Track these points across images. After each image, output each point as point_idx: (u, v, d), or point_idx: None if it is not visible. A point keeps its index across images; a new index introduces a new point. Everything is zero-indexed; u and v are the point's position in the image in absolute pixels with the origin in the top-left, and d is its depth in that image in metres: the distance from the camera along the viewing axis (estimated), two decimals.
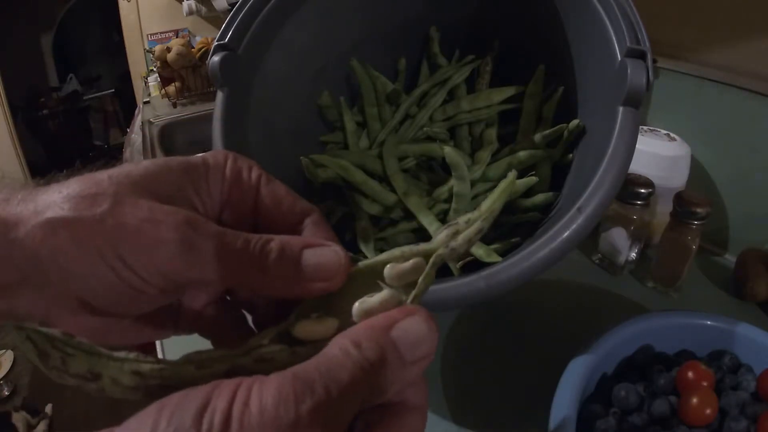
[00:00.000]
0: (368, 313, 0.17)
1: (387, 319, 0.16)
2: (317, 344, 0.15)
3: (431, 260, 0.18)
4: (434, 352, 0.16)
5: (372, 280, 0.18)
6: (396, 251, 0.18)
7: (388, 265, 0.18)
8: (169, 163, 0.19)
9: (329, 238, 0.21)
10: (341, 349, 0.15)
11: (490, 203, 0.18)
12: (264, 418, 0.13)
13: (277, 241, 0.18)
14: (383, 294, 0.17)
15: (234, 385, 0.13)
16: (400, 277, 0.18)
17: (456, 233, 0.18)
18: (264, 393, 0.13)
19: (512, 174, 0.20)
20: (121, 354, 0.15)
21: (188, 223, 0.17)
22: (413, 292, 0.17)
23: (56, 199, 0.17)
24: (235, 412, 0.13)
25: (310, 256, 0.18)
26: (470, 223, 0.18)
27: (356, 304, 0.17)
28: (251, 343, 0.17)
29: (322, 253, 0.19)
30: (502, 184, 0.19)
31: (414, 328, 0.16)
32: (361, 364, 0.14)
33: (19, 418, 1.45)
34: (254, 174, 0.21)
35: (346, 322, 0.17)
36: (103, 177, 0.18)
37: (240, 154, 0.21)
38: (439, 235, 0.18)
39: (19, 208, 0.17)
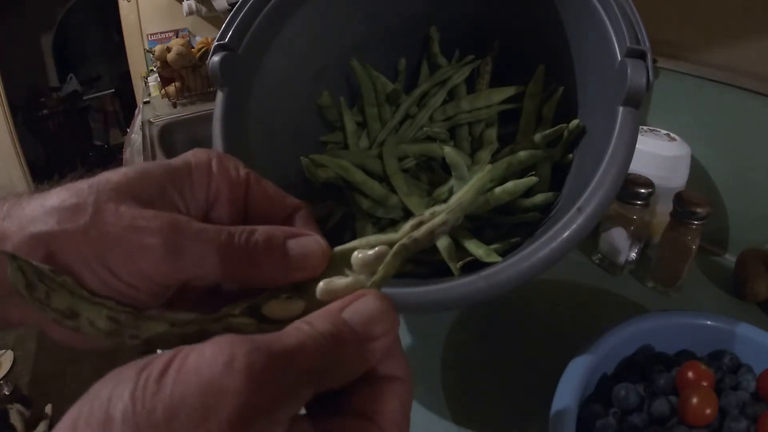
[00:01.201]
0: (330, 294, 0.17)
1: (340, 302, 0.17)
2: (283, 324, 0.16)
3: (393, 249, 0.18)
4: (394, 329, 0.17)
5: (343, 266, 0.19)
6: (364, 240, 0.19)
7: (354, 252, 0.18)
8: (148, 168, 0.19)
9: (314, 231, 0.21)
10: (293, 327, 0.15)
11: (459, 196, 0.18)
12: (201, 367, 0.13)
13: (261, 232, 0.19)
14: (348, 279, 0.18)
15: (177, 349, 0.14)
16: (365, 264, 0.18)
17: (420, 224, 0.18)
18: (205, 349, 0.13)
19: (488, 168, 0.20)
20: (101, 299, 0.16)
21: (171, 226, 0.17)
22: (372, 278, 0.18)
23: (39, 213, 0.17)
24: (174, 363, 0.13)
25: (295, 246, 0.19)
26: (435, 215, 0.18)
27: (321, 284, 0.18)
28: (223, 311, 0.17)
29: (306, 243, 0.19)
30: (475, 179, 0.19)
31: (365, 308, 0.16)
32: (311, 334, 0.15)
33: (16, 418, 1.45)
34: (242, 172, 0.21)
35: (313, 304, 0.18)
36: (83, 186, 0.18)
37: (225, 153, 0.21)
38: (404, 226, 0.19)
39: (5, 224, 0.17)
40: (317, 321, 0.16)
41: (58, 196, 0.18)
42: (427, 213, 0.18)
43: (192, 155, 0.20)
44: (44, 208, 0.17)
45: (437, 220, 0.18)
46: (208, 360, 0.13)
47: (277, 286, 0.19)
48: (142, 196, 0.18)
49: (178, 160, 0.20)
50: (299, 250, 0.19)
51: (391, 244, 0.18)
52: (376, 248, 0.18)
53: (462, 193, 0.18)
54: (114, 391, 0.13)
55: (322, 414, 0.16)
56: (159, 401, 0.12)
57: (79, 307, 0.15)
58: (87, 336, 0.16)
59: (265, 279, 0.19)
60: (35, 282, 0.15)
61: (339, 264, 0.19)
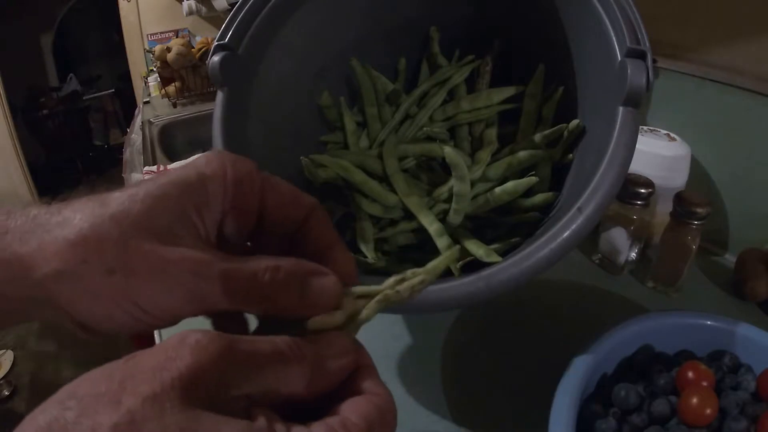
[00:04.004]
0: (319, 325, 0.20)
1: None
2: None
3: (376, 297, 0.21)
4: (351, 360, 0.19)
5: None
6: (366, 288, 0.21)
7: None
8: (166, 191, 0.19)
9: (334, 239, 0.22)
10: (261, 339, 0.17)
11: (435, 264, 0.22)
12: (159, 345, 0.15)
13: (285, 271, 0.19)
14: (335, 317, 0.20)
15: None
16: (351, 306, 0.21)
17: (403, 280, 0.21)
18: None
19: (455, 249, 0.24)
20: None
21: (194, 272, 0.18)
22: (355, 318, 0.20)
23: (61, 245, 0.17)
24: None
25: (315, 286, 0.19)
26: (415, 275, 0.21)
27: (317, 318, 0.20)
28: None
29: (325, 284, 0.20)
30: (448, 253, 0.23)
31: (330, 338, 0.19)
32: (273, 341, 0.17)
33: None
34: (257, 179, 0.21)
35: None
36: (104, 216, 0.18)
37: (237, 156, 0.21)
38: (389, 280, 0.21)
39: (23, 249, 0.17)
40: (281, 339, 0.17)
41: (80, 223, 0.17)
42: (408, 273, 0.21)
43: (205, 164, 0.20)
44: (67, 241, 0.17)
45: (416, 279, 0.21)
46: (166, 341, 0.15)
47: (293, 317, 0.20)
48: (162, 228, 0.18)
49: (191, 173, 0.20)
50: (318, 290, 0.19)
51: (374, 293, 0.21)
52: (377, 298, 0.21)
53: (437, 263, 0.22)
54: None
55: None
56: (117, 368, 0.14)
57: None
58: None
59: (280, 312, 0.19)
60: None
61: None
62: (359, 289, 0.21)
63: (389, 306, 0.21)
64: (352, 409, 0.17)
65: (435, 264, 0.22)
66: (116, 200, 0.18)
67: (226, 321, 0.22)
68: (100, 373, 0.14)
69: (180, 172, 0.20)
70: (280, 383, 0.17)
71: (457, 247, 0.24)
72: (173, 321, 0.19)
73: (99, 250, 0.17)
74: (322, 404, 0.18)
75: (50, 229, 0.17)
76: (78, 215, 0.18)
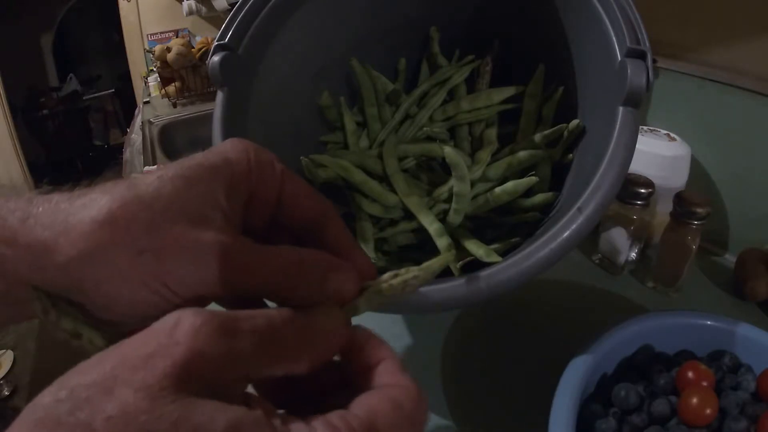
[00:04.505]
0: None
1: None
2: None
3: (371, 288, 0.21)
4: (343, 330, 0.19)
5: None
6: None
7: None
8: (196, 173, 0.19)
9: (350, 240, 0.22)
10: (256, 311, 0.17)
11: (430, 263, 0.22)
12: (150, 329, 0.15)
13: (307, 265, 0.19)
14: None
15: None
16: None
17: (396, 275, 0.22)
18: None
19: (452, 252, 0.25)
20: (96, 324, 0.19)
21: (223, 258, 0.18)
22: (348, 306, 0.21)
23: (88, 226, 0.17)
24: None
25: (335, 282, 0.19)
26: (409, 272, 0.22)
27: None
28: None
29: (345, 281, 0.20)
30: (445, 254, 0.24)
31: (326, 311, 0.19)
32: (267, 313, 0.17)
33: None
34: (278, 168, 0.21)
35: None
36: (133, 197, 0.17)
37: (258, 145, 0.21)
38: (384, 276, 0.22)
39: (46, 234, 0.17)
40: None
41: (107, 204, 0.17)
42: (402, 270, 0.22)
43: (231, 149, 0.20)
44: (94, 222, 0.17)
45: (410, 274, 0.21)
46: (158, 323, 0.15)
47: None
48: (193, 210, 0.18)
49: (217, 158, 0.20)
50: (336, 284, 0.19)
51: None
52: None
53: (432, 262, 0.22)
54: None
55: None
56: (108, 356, 0.14)
57: (82, 330, 0.18)
58: (90, 352, 0.17)
59: (295, 302, 0.19)
60: (49, 308, 0.18)
61: None
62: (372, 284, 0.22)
63: (383, 300, 0.21)
64: (358, 403, 0.17)
65: (430, 263, 0.22)
66: (145, 182, 0.18)
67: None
68: (92, 362, 0.14)
69: (206, 155, 0.20)
70: (273, 351, 0.16)
71: (454, 251, 0.24)
72: (199, 303, 0.18)
73: (129, 231, 0.17)
74: (336, 401, 0.18)
75: (75, 212, 0.17)
76: (105, 197, 0.17)
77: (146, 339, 0.14)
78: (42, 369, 1.74)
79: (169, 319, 0.15)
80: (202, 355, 0.14)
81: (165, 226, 0.17)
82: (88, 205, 0.17)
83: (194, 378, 0.14)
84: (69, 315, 0.18)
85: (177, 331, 0.14)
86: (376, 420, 0.16)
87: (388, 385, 0.18)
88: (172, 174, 0.18)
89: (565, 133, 0.42)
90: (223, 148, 0.20)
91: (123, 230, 0.17)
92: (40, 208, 0.17)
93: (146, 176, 0.18)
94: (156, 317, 0.16)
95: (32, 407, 0.13)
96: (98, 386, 0.13)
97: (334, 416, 0.16)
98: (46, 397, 0.14)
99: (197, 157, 0.19)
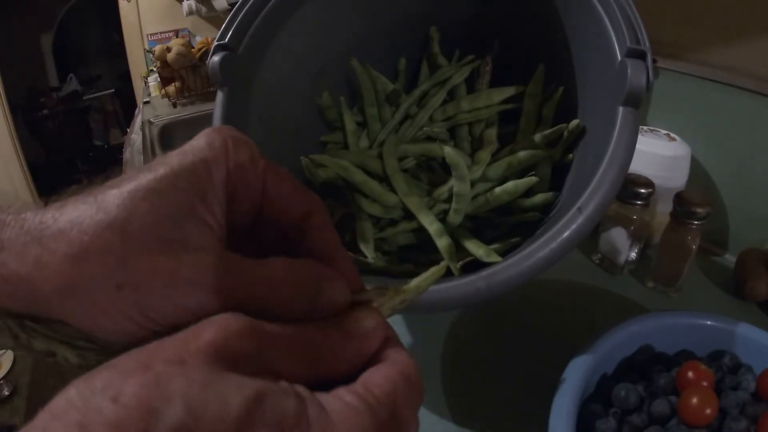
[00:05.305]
0: None
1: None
2: None
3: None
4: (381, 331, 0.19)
5: None
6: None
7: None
8: (171, 183, 0.18)
9: (335, 242, 0.21)
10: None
11: (418, 282, 0.22)
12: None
13: (298, 280, 0.18)
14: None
15: None
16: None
17: (383, 295, 0.22)
18: None
19: (442, 265, 0.23)
20: (70, 339, 0.18)
21: (206, 286, 0.17)
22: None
23: (62, 262, 0.16)
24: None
25: (327, 294, 0.19)
26: (398, 293, 0.21)
27: None
28: None
29: (336, 291, 0.19)
30: (434, 270, 0.23)
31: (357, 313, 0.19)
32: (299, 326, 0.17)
33: None
34: (260, 166, 0.20)
35: None
36: (104, 224, 0.16)
37: (239, 135, 0.20)
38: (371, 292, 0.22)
39: (22, 268, 0.16)
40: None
41: (77, 238, 0.16)
42: (390, 290, 0.22)
43: (207, 147, 0.19)
44: (67, 257, 0.16)
45: (397, 298, 0.21)
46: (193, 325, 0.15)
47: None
48: (170, 228, 0.17)
49: (193, 159, 0.18)
50: (328, 296, 0.19)
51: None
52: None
53: (420, 280, 0.22)
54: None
55: None
56: (147, 346, 0.15)
57: (54, 347, 0.18)
58: (67, 365, 0.18)
59: (288, 316, 0.19)
60: (18, 332, 0.18)
61: None
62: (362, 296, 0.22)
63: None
64: (376, 374, 0.17)
65: (417, 283, 0.22)
66: (115, 202, 0.17)
67: None
68: (133, 351, 0.15)
69: (180, 159, 0.18)
70: (307, 364, 0.17)
71: (444, 264, 0.24)
72: (178, 326, 0.18)
73: (105, 265, 0.16)
74: (345, 376, 0.18)
75: (46, 244, 0.16)
76: (75, 227, 0.16)
77: (185, 332, 0.15)
78: (42, 369, 1.74)
79: (204, 320, 0.15)
80: (233, 341, 0.15)
81: (141, 256, 0.16)
82: (58, 237, 0.16)
83: (225, 359, 0.14)
84: (40, 336, 0.18)
85: (210, 323, 0.15)
86: (395, 389, 0.17)
87: (396, 360, 0.18)
88: (144, 188, 0.17)
89: (565, 133, 0.42)
90: (199, 145, 0.19)
91: (98, 266, 0.16)
92: (12, 233, 0.17)
93: (116, 192, 0.17)
94: (147, 339, 0.16)
95: (72, 385, 0.14)
96: (137, 365, 0.14)
97: (358, 385, 0.16)
98: (86, 377, 0.14)
99: (170, 161, 0.18)
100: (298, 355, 0.16)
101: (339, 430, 0.15)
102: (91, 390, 0.13)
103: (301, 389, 0.15)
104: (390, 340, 0.19)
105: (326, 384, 0.17)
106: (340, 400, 0.15)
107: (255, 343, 0.15)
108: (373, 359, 0.19)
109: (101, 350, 0.18)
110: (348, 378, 0.17)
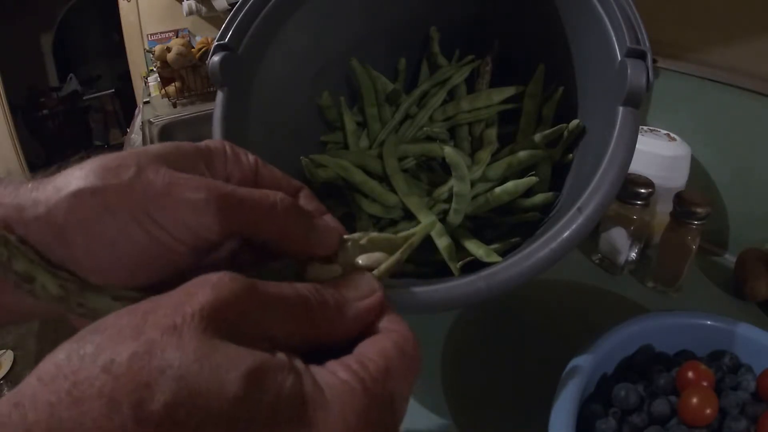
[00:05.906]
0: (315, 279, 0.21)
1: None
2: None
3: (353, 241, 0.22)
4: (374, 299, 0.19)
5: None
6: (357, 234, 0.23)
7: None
8: (180, 145, 0.20)
9: (321, 210, 0.23)
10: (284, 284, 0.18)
11: (406, 234, 0.23)
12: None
13: (293, 203, 0.20)
14: (376, 255, 0.22)
15: None
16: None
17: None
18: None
19: (433, 219, 0.25)
20: (54, 269, 0.18)
21: (209, 188, 0.18)
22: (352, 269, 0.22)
23: (78, 174, 0.18)
24: None
25: (321, 223, 0.21)
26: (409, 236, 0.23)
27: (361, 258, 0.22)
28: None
29: (328, 222, 0.22)
30: (424, 226, 0.25)
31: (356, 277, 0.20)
32: (296, 288, 0.17)
33: None
34: (251, 158, 0.23)
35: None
36: (122, 153, 0.19)
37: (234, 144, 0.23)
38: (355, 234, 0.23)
39: (33, 194, 0.18)
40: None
41: (98, 160, 0.18)
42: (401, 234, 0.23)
43: (210, 142, 0.22)
44: (84, 170, 0.18)
45: (407, 244, 0.23)
46: (188, 283, 0.15)
47: (296, 256, 0.21)
48: (177, 165, 0.19)
49: (200, 144, 0.21)
50: (323, 227, 0.21)
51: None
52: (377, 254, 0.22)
53: (411, 232, 0.24)
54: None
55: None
56: (140, 306, 0.15)
57: (36, 272, 0.17)
58: (40, 300, 0.17)
59: (286, 243, 0.20)
60: (0, 248, 0.17)
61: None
62: (353, 235, 0.23)
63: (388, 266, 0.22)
64: (370, 346, 0.17)
65: (406, 234, 0.24)
66: (132, 149, 0.20)
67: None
68: (124, 311, 0.15)
69: (190, 142, 0.21)
70: (303, 328, 0.17)
71: (433, 220, 0.25)
72: (188, 243, 0.19)
73: (118, 172, 0.18)
74: (340, 345, 0.18)
75: (62, 174, 0.18)
76: (92, 159, 0.18)
77: (176, 292, 0.15)
78: None
79: (198, 278, 0.15)
80: (229, 305, 0.15)
81: (153, 167, 0.18)
82: (78, 166, 0.18)
83: (220, 324, 0.14)
84: (22, 256, 0.17)
85: (205, 283, 0.15)
86: (389, 364, 0.17)
87: (391, 330, 0.19)
88: (155, 148, 0.20)
89: (565, 133, 0.42)
90: (202, 142, 0.22)
91: (113, 172, 0.18)
92: (29, 185, 0.18)
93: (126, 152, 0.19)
94: (145, 273, 0.17)
95: (60, 348, 0.14)
96: (128, 327, 0.14)
97: (352, 360, 0.16)
98: (76, 338, 0.14)
99: (184, 142, 0.21)
100: (293, 318, 0.16)
101: (332, 409, 0.15)
102: (81, 355, 0.13)
103: (297, 363, 0.15)
104: (387, 308, 0.20)
105: (321, 352, 0.17)
106: (334, 375, 0.16)
107: (250, 305, 0.15)
108: (370, 328, 0.19)
109: (82, 284, 0.18)
110: (343, 347, 0.18)
